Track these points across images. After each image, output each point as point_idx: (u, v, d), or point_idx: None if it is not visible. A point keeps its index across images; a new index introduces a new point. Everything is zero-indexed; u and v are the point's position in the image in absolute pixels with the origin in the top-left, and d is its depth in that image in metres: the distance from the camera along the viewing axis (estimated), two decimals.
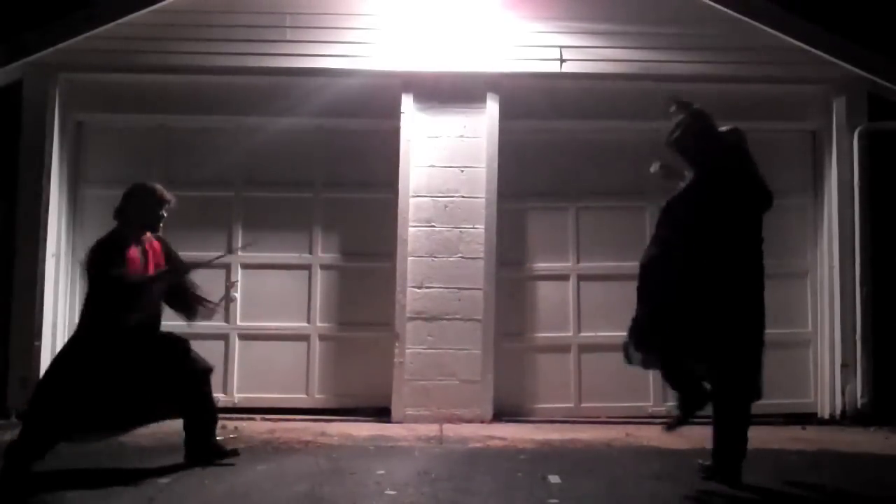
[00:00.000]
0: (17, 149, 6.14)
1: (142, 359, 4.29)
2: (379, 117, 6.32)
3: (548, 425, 6.00)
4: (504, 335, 6.30)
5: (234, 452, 4.53)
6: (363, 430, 5.66)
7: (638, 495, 3.93)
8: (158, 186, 4.49)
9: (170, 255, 4.53)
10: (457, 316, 6.14)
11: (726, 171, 4.14)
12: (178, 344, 4.46)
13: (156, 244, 4.50)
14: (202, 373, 4.49)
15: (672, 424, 4.31)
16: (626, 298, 4.27)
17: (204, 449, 4.45)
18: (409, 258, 6.17)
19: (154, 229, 4.47)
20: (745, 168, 4.19)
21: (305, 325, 6.43)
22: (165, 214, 4.46)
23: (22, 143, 6.15)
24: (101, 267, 4.24)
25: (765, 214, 4.23)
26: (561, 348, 6.43)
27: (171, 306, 4.57)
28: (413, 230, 6.20)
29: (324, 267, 6.47)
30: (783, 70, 6.33)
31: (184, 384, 4.39)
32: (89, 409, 4.15)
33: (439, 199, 6.23)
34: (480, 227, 6.21)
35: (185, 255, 4.71)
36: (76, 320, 6.08)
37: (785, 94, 6.46)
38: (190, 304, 4.54)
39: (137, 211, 4.39)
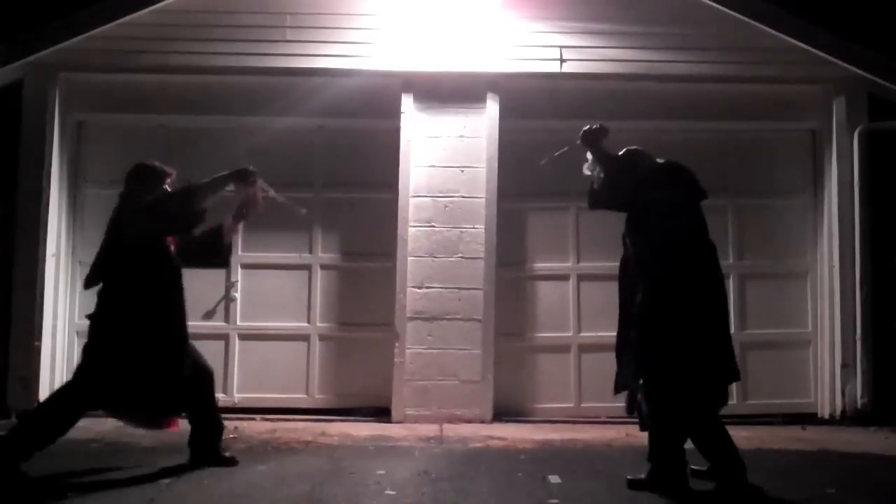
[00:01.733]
0: (17, 149, 6.14)
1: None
2: (379, 117, 6.32)
3: (548, 425, 6.01)
4: (504, 335, 6.31)
5: (234, 461, 4.46)
6: (363, 430, 5.67)
7: (638, 495, 3.92)
8: (157, 163, 4.53)
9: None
10: (457, 316, 6.14)
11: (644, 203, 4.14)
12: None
13: None
14: (210, 373, 4.51)
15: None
16: None
17: (207, 454, 4.41)
18: (409, 258, 6.17)
19: None
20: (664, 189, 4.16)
21: (305, 325, 6.43)
22: (170, 189, 4.47)
23: (22, 143, 6.15)
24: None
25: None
26: (561, 348, 6.43)
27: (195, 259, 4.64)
28: (413, 230, 6.20)
29: (324, 267, 6.47)
30: (783, 70, 6.33)
31: (193, 382, 4.38)
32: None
33: (439, 199, 6.24)
34: (480, 227, 6.21)
35: None
36: (76, 320, 6.16)
37: (785, 94, 6.46)
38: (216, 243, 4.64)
39: (143, 191, 4.38)
